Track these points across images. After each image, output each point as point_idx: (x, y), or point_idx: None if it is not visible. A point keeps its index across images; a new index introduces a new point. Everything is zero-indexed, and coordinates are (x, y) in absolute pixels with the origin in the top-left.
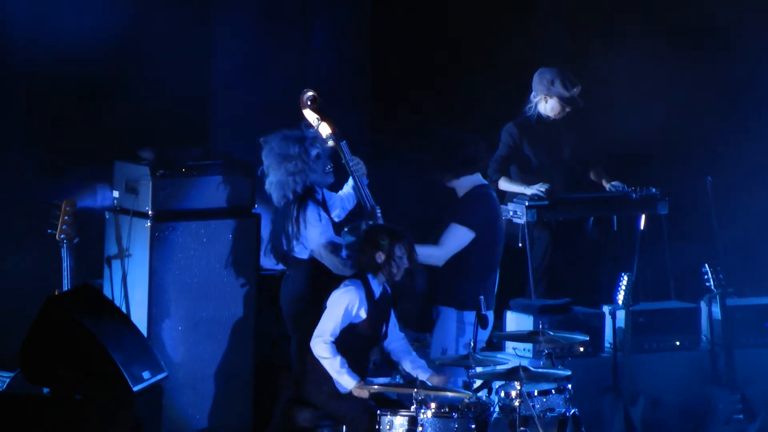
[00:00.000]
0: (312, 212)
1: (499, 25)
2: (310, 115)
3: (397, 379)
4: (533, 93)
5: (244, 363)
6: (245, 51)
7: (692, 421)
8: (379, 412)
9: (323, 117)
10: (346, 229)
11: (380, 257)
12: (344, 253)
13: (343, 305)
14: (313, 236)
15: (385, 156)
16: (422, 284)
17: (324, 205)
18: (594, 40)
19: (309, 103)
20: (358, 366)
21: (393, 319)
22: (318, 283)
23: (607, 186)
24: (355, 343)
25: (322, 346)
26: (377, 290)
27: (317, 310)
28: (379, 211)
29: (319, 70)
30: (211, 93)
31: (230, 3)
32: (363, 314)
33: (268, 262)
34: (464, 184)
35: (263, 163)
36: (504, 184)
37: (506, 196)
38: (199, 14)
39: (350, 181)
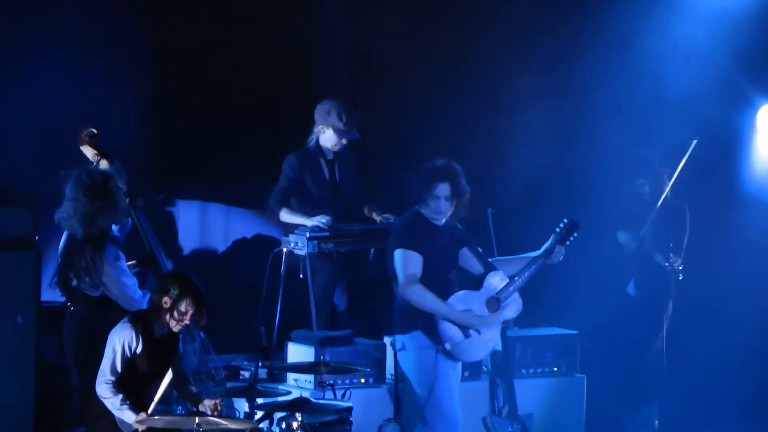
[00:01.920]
0: (109, 250)
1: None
2: (88, 151)
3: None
4: (315, 124)
5: (24, 394)
6: None
7: None
8: None
9: (102, 153)
10: (131, 263)
11: (165, 303)
12: (139, 292)
13: (120, 343)
14: (110, 274)
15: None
16: None
17: (118, 242)
18: (375, 73)
19: (88, 139)
20: (140, 400)
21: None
22: (104, 320)
23: (378, 219)
24: (136, 379)
25: (103, 386)
26: (158, 330)
27: (101, 346)
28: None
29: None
30: None
31: None
32: (140, 350)
33: (51, 294)
34: None
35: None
36: (285, 216)
37: (287, 228)
38: None
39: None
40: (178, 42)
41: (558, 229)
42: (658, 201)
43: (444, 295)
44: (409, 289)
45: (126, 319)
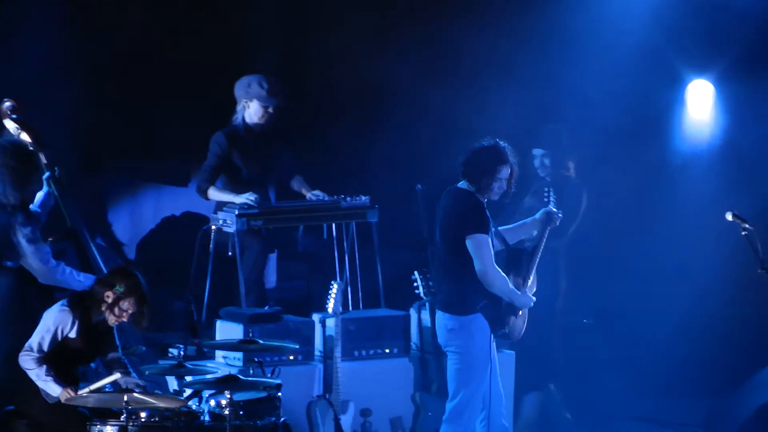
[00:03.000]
0: (28, 223)
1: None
2: (9, 125)
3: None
4: (237, 102)
5: None
6: None
7: (402, 428)
8: (89, 423)
9: (24, 126)
10: (51, 240)
11: (108, 297)
12: (53, 262)
13: (54, 325)
14: (27, 246)
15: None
16: None
17: (38, 217)
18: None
19: (9, 112)
20: (66, 375)
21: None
22: (25, 292)
23: (308, 195)
24: (64, 356)
25: (26, 358)
26: (96, 317)
27: (24, 318)
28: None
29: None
30: None
31: None
32: (74, 335)
33: None
34: None
35: None
36: (214, 194)
37: (216, 206)
38: None
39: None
40: (107, 22)
41: (545, 198)
42: (557, 175)
43: None
44: (491, 274)
45: (65, 302)
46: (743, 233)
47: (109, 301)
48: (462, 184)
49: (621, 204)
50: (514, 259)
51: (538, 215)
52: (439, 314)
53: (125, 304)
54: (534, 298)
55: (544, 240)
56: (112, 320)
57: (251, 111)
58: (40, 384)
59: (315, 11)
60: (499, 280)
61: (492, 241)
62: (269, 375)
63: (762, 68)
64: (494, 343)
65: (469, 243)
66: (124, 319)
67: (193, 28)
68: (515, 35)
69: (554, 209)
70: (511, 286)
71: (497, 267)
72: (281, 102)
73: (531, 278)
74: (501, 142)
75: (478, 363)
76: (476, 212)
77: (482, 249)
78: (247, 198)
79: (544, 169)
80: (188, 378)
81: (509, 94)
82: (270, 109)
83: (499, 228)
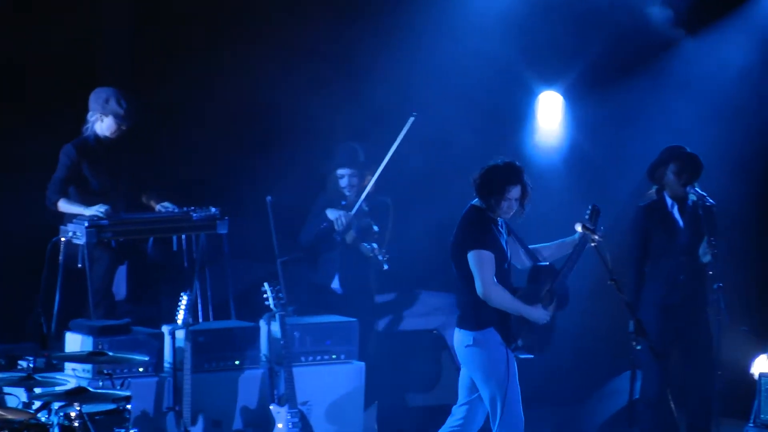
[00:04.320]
0: None
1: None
2: None
3: None
4: (90, 113)
5: None
6: None
7: None
8: None
9: None
10: None
11: None
12: None
13: None
14: None
15: None
16: None
17: None
18: (160, 66)
19: None
20: None
21: None
22: None
23: (157, 207)
24: None
25: None
26: None
27: None
28: None
29: None
30: None
31: None
32: None
33: None
34: None
35: None
36: (64, 206)
37: (66, 217)
38: None
39: None
40: None
41: (587, 216)
42: (362, 194)
43: (506, 288)
44: (489, 290)
45: None
46: (592, 244)
47: None
48: (475, 200)
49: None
50: (534, 275)
51: (576, 235)
52: (455, 332)
53: None
54: (550, 312)
55: (576, 258)
56: None
57: (104, 125)
58: None
59: (166, 17)
60: (497, 295)
61: (521, 257)
62: (119, 387)
63: (608, 80)
64: (513, 358)
65: (470, 258)
66: None
67: (44, 40)
68: (370, 47)
69: (589, 227)
70: (515, 300)
71: (496, 282)
72: (136, 120)
73: (555, 295)
74: (516, 162)
75: (502, 377)
76: (478, 228)
77: (481, 264)
78: (96, 210)
79: (349, 188)
80: (37, 390)
81: (364, 107)
82: (123, 127)
83: (537, 245)
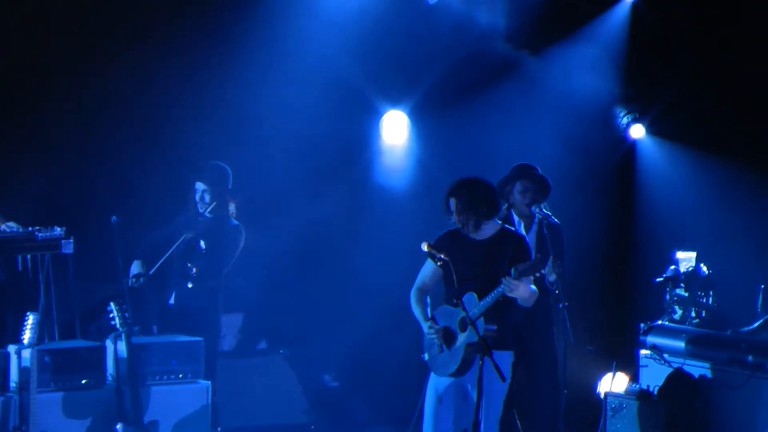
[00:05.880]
0: None
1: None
2: None
3: None
4: None
5: None
6: None
7: None
8: None
9: None
10: None
11: None
12: None
13: None
14: None
15: None
16: None
17: None
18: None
19: None
20: None
21: None
22: None
23: (1, 227)
24: None
25: None
26: None
27: None
28: None
29: None
30: None
31: None
32: None
33: None
34: None
35: None
36: None
37: None
38: None
39: None
40: None
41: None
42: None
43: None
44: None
45: None
46: (438, 264)
47: None
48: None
49: (325, 232)
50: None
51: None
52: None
53: None
54: (431, 337)
55: (491, 298)
56: None
57: None
58: None
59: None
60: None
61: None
62: None
63: (451, 99)
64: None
65: None
66: None
67: None
68: (218, 67)
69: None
70: (417, 315)
71: (413, 294)
72: None
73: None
74: (464, 177)
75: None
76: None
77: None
78: None
79: (203, 205)
80: None
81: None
82: None
83: None
